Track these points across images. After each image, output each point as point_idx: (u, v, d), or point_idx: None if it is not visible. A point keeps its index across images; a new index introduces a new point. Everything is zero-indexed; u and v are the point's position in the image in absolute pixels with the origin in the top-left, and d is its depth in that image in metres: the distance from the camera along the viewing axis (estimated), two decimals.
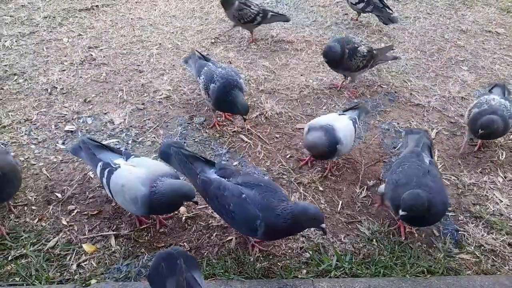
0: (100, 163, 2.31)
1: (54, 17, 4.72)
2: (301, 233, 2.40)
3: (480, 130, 2.80)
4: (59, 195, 2.59)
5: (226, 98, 2.97)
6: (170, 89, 3.61)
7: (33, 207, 2.49)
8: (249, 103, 3.48)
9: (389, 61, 4.01)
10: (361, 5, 4.75)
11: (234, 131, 3.16)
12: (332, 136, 2.62)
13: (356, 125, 2.83)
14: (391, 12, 4.74)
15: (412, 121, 3.37)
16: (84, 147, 2.42)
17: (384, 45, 4.55)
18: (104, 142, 2.97)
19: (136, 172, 2.20)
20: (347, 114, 2.89)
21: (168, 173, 2.23)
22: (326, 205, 2.61)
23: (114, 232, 2.37)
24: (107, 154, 2.37)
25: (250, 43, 4.44)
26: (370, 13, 4.86)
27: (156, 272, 1.72)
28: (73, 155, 2.69)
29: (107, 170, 2.25)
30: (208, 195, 2.17)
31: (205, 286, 1.74)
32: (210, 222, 2.45)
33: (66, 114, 3.25)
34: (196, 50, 3.48)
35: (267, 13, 4.34)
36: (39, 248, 2.25)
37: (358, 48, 3.52)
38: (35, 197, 2.56)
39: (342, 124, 2.73)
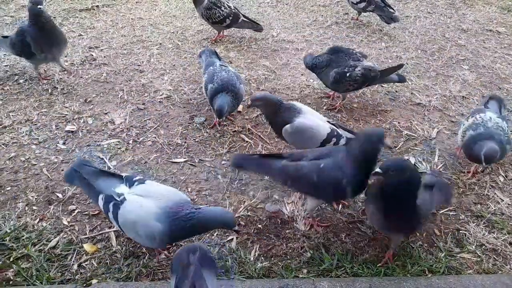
0: (101, 196, 2.08)
1: (54, 17, 4.71)
2: (301, 233, 2.40)
3: (483, 163, 2.53)
4: (60, 195, 2.59)
5: (214, 98, 2.99)
6: (170, 89, 3.61)
7: (34, 207, 2.50)
8: (249, 103, 3.48)
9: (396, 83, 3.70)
10: (362, 5, 4.74)
11: (235, 131, 3.16)
12: (289, 117, 2.60)
13: (334, 139, 2.62)
14: (392, 11, 4.74)
15: (413, 120, 3.37)
16: (78, 176, 2.17)
17: (385, 45, 4.55)
18: (105, 143, 2.99)
19: (148, 206, 1.97)
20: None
21: (182, 199, 2.04)
22: (326, 204, 2.60)
23: (115, 232, 2.37)
24: (106, 181, 2.12)
25: (212, 42, 4.39)
26: (372, 12, 4.85)
27: (174, 262, 1.74)
28: (69, 184, 2.47)
29: (111, 204, 2.03)
30: (292, 179, 2.27)
31: (216, 286, 1.71)
32: None
33: (66, 114, 3.25)
34: (211, 48, 3.53)
35: (239, 18, 4.26)
36: (40, 248, 2.25)
37: (348, 74, 3.18)
38: (36, 197, 2.56)
39: (315, 120, 2.63)
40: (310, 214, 2.45)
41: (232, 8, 4.28)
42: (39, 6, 3.26)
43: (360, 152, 2.14)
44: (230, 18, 4.23)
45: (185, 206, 1.98)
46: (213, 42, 4.40)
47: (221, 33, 4.47)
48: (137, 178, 2.13)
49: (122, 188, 2.07)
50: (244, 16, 4.34)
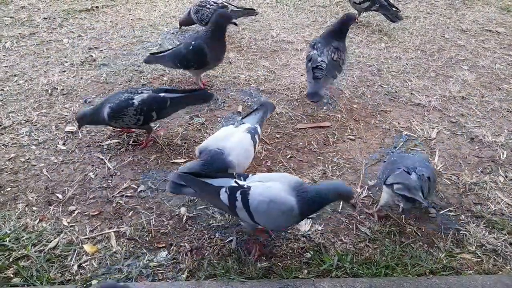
0: (223, 189, 2.10)
1: (54, 18, 4.72)
2: (301, 233, 2.40)
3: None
4: (60, 195, 2.58)
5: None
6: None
7: (34, 208, 2.49)
8: (249, 103, 3.49)
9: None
10: (366, 4, 4.74)
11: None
12: (222, 163, 2.38)
13: (257, 135, 2.57)
14: (397, 10, 4.75)
15: (413, 121, 3.37)
16: (189, 180, 2.18)
17: (384, 45, 4.56)
18: (105, 143, 2.99)
19: (276, 186, 2.06)
20: (247, 122, 2.64)
21: (298, 181, 2.12)
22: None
23: (115, 232, 2.37)
24: (219, 180, 2.18)
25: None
26: (376, 12, 4.86)
27: None
28: (175, 194, 2.46)
29: (239, 192, 2.07)
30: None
31: None
32: (211, 222, 2.45)
33: (66, 115, 3.25)
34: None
35: (227, 9, 4.21)
36: (40, 249, 2.25)
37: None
38: (35, 197, 2.56)
39: (235, 141, 2.45)
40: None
41: (219, 3, 4.28)
42: (234, 21, 3.40)
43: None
44: None
45: (304, 184, 2.12)
46: None
47: None
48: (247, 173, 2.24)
49: (239, 181, 2.14)
50: (234, 6, 4.34)
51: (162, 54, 3.51)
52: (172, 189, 2.23)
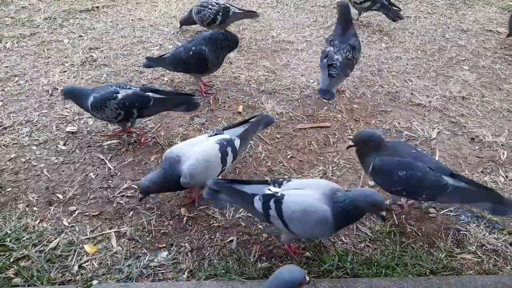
0: (257, 197, 2.09)
1: (54, 18, 4.73)
2: None
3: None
4: (60, 196, 2.59)
5: None
6: (170, 90, 3.61)
7: (34, 208, 2.50)
8: (250, 103, 3.49)
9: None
10: (367, 4, 4.74)
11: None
12: (176, 171, 2.30)
13: (230, 148, 2.42)
14: (398, 9, 4.76)
15: (413, 121, 3.37)
16: (223, 187, 2.17)
17: (385, 45, 4.56)
18: (105, 143, 2.99)
19: (310, 194, 2.04)
20: (226, 133, 2.51)
21: (335, 187, 2.09)
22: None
23: (116, 232, 2.37)
24: (253, 186, 2.16)
25: None
26: (377, 11, 4.86)
27: None
28: (211, 200, 2.41)
29: (272, 201, 2.06)
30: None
31: None
32: (211, 222, 2.45)
33: (67, 115, 3.25)
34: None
35: (229, 11, 4.24)
36: (40, 249, 2.25)
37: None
38: (36, 198, 2.56)
39: (196, 150, 2.34)
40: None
41: (221, 3, 4.28)
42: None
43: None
44: (221, 14, 4.22)
45: (339, 192, 2.06)
46: None
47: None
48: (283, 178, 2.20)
49: (273, 189, 2.11)
50: (236, 8, 4.34)
51: (162, 57, 3.51)
52: (209, 195, 2.21)
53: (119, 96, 2.80)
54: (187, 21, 4.51)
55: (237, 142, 2.49)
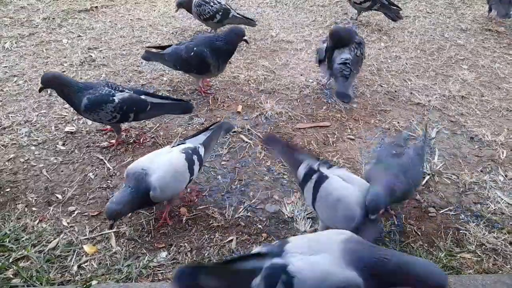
0: (304, 165, 2.20)
1: (53, 18, 4.72)
2: (301, 232, 2.40)
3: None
4: (59, 196, 2.58)
5: None
6: (170, 90, 3.60)
7: (33, 209, 2.49)
8: (249, 103, 3.49)
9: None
10: (367, 4, 4.74)
11: (234, 131, 3.16)
12: (145, 184, 2.20)
13: (196, 156, 2.38)
14: (398, 8, 4.76)
15: (413, 120, 3.37)
16: (274, 142, 2.43)
17: (384, 44, 4.56)
18: (104, 143, 2.98)
19: (352, 189, 2.05)
20: (188, 142, 2.48)
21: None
22: None
23: (115, 232, 2.37)
24: (304, 155, 2.29)
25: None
26: (377, 11, 4.86)
27: None
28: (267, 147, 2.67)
29: (316, 175, 2.12)
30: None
31: None
32: (211, 222, 2.45)
33: (66, 115, 3.25)
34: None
35: (229, 13, 4.27)
36: (39, 249, 2.25)
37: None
38: (35, 198, 2.56)
39: (162, 161, 2.28)
40: None
41: (223, 4, 4.29)
42: (244, 38, 3.40)
43: None
44: (220, 13, 4.24)
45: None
46: None
47: (216, 31, 4.48)
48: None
49: (322, 168, 2.17)
50: (236, 13, 4.36)
51: (161, 52, 3.48)
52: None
53: (116, 99, 2.75)
54: (185, 5, 4.46)
55: (201, 150, 2.45)
